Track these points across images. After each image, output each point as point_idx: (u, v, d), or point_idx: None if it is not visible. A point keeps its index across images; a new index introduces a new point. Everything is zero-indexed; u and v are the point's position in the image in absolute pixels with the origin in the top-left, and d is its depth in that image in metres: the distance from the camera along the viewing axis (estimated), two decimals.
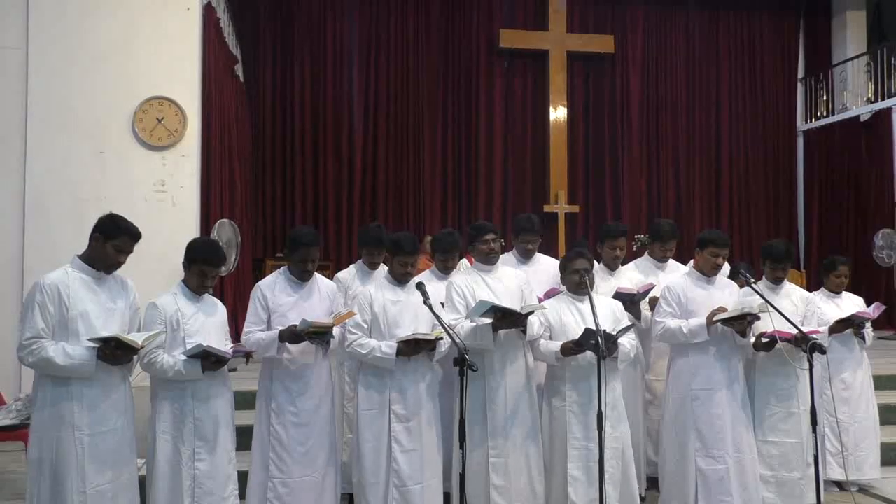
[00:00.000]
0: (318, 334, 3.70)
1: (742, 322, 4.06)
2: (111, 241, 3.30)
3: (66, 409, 3.20)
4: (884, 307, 4.95)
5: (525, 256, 4.71)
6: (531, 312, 3.90)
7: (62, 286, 3.23)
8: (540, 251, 4.84)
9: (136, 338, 3.26)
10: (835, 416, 4.73)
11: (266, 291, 3.89)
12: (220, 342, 3.65)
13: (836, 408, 4.69)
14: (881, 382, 6.12)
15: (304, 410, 3.84)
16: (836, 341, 4.75)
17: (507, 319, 3.83)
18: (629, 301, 4.43)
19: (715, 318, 4.07)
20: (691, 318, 4.19)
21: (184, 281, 3.66)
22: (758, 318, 4.10)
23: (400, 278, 3.97)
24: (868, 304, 5.04)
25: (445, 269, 4.52)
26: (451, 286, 4.11)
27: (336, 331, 3.84)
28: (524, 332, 3.94)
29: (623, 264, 4.98)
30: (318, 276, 4.05)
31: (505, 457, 3.95)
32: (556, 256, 5.22)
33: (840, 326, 4.73)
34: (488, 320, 3.82)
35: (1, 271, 5.84)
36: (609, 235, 4.85)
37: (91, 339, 3.19)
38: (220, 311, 3.77)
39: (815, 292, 4.92)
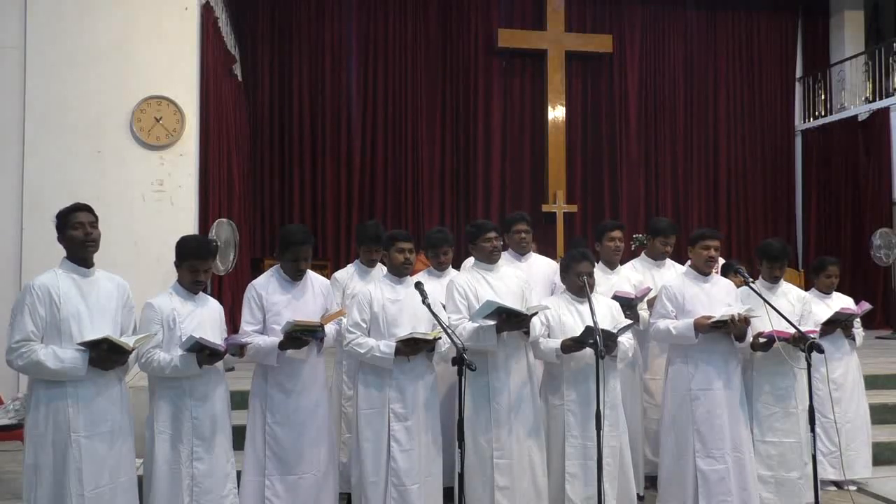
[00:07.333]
0: (307, 332, 3.67)
1: (726, 325, 4.04)
2: (69, 226, 3.27)
3: (62, 411, 3.15)
4: (870, 306, 4.95)
5: (520, 251, 4.70)
6: (535, 313, 3.89)
7: (52, 287, 3.19)
8: (538, 251, 4.83)
9: (128, 340, 3.23)
10: (833, 416, 4.70)
11: (260, 290, 3.85)
12: (216, 340, 3.62)
13: (829, 408, 4.67)
14: (879, 382, 6.14)
15: (301, 408, 3.81)
16: (825, 341, 4.73)
17: (512, 321, 3.81)
18: (626, 305, 4.42)
19: (708, 322, 4.06)
20: (689, 316, 4.18)
21: (178, 281, 3.65)
22: (747, 322, 4.08)
23: (400, 268, 3.94)
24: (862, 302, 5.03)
25: (439, 266, 4.51)
26: (452, 285, 4.09)
27: (329, 328, 3.81)
28: (527, 333, 3.93)
29: (621, 263, 4.99)
30: (311, 274, 4.01)
31: (509, 457, 3.92)
32: (554, 256, 5.22)
33: (829, 328, 4.72)
34: (492, 322, 3.80)
35: None
36: (605, 228, 4.87)
37: (82, 343, 3.16)
38: (215, 309, 3.74)
39: (806, 293, 4.92)
